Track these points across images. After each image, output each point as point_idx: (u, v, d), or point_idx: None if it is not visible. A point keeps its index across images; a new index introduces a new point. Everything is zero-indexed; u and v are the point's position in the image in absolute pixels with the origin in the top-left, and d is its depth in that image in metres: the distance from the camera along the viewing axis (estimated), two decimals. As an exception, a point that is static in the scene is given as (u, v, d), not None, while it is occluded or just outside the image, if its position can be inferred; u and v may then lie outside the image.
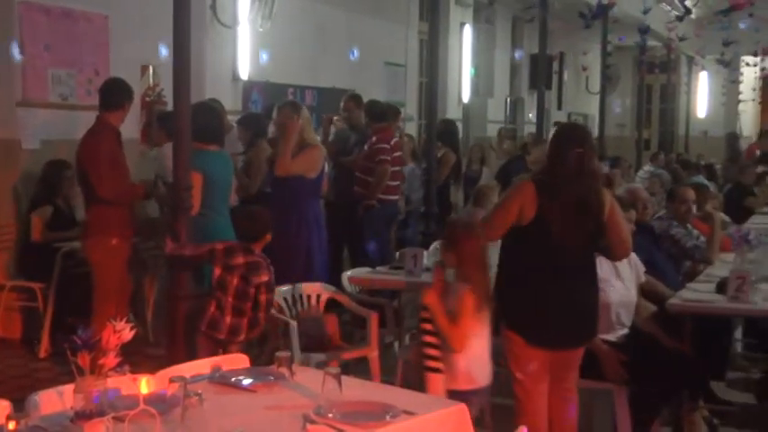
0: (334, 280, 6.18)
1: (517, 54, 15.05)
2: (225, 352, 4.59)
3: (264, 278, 4.84)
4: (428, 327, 4.07)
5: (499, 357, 4.35)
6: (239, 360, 3.59)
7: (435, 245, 6.75)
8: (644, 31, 15.24)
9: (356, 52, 11.37)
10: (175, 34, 5.04)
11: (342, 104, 8.72)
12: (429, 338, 4.08)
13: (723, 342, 5.82)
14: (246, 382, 3.22)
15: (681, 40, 16.78)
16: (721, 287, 5.15)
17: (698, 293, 5.27)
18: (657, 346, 4.89)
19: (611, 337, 4.89)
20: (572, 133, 4.40)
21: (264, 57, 9.55)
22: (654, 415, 4.99)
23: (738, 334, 7.14)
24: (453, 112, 13.83)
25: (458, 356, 3.98)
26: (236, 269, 4.78)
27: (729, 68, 21.77)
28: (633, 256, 5.07)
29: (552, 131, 4.62)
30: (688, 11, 14.06)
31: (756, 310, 5.02)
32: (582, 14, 12.98)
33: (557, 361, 4.33)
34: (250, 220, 5.02)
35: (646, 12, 13.44)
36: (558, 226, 4.12)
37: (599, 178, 4.49)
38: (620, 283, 5.02)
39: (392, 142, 8.31)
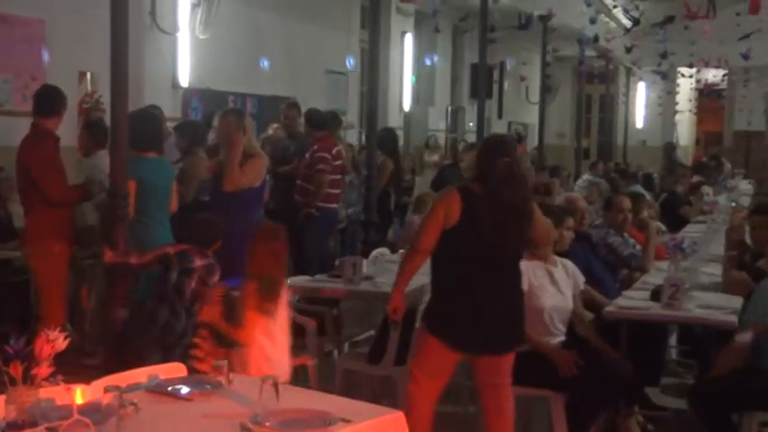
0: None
1: (428, 59, 15.08)
2: (174, 357, 4.59)
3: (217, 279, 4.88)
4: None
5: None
6: (176, 369, 3.57)
7: (375, 253, 6.77)
8: (585, 42, 15.46)
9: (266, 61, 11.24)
10: (113, 40, 4.99)
11: (284, 112, 8.70)
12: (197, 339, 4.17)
13: (658, 348, 5.91)
14: (183, 390, 3.19)
15: (628, 51, 17.05)
16: (656, 294, 5.25)
17: (633, 301, 5.37)
18: (593, 353, 4.95)
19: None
20: (500, 144, 4.55)
21: (205, 64, 9.49)
22: (590, 422, 5.05)
23: (673, 341, 7.27)
24: (394, 121, 13.88)
25: (248, 351, 4.01)
26: (194, 272, 4.78)
27: (666, 80, 22.18)
28: (571, 265, 5.15)
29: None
30: (636, 21, 14.28)
31: (689, 316, 5.13)
32: (521, 25, 13.16)
33: (487, 368, 4.44)
34: (207, 225, 5.08)
35: (593, 22, 13.63)
36: (491, 232, 4.26)
37: (527, 185, 4.66)
38: (554, 288, 5.08)
39: (333, 151, 8.31)
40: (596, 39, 14.56)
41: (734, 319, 4.98)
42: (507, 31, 14.47)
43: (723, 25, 16.48)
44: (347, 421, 2.86)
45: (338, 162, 8.35)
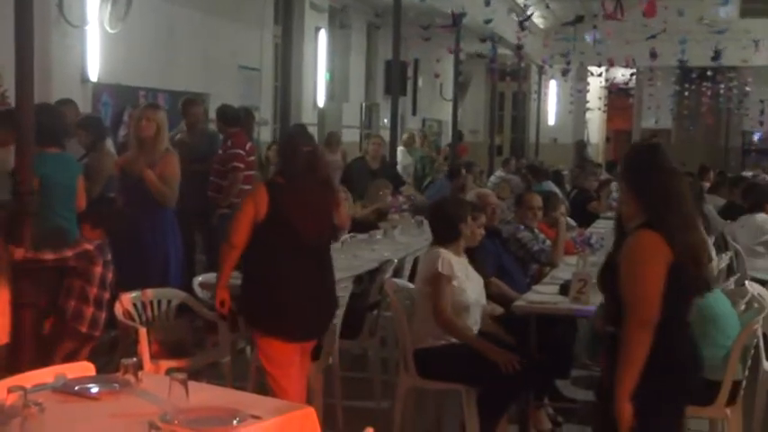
0: (189, 286, 6.10)
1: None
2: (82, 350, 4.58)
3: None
4: None
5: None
6: (84, 368, 3.51)
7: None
8: (493, 39, 15.65)
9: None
10: (17, 33, 4.88)
11: (188, 111, 8.59)
12: None
13: (567, 342, 6.01)
14: (91, 390, 3.15)
15: (519, 48, 17.25)
16: (564, 289, 5.35)
17: (542, 295, 5.46)
18: (505, 347, 5.03)
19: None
20: (300, 134, 4.95)
21: (115, 58, 9.33)
22: (500, 414, 5.13)
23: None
24: (309, 117, 13.84)
25: None
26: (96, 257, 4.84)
27: (577, 78, 22.59)
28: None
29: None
30: (523, 23, 14.50)
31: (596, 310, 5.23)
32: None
33: (304, 352, 4.78)
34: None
35: (487, 4, 13.77)
36: (298, 222, 4.52)
37: (328, 173, 5.02)
38: (473, 282, 5.17)
39: (247, 147, 8.27)
40: (488, 21, 14.65)
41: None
42: (420, 28, 14.57)
43: (630, 25, 16.86)
44: (257, 418, 2.86)
45: (252, 158, 8.31)
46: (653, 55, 17.84)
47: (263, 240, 4.58)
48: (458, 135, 21.23)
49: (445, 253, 5.05)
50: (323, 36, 14.45)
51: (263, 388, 4.81)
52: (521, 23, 14.33)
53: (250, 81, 12.47)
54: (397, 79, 11.76)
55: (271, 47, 13.05)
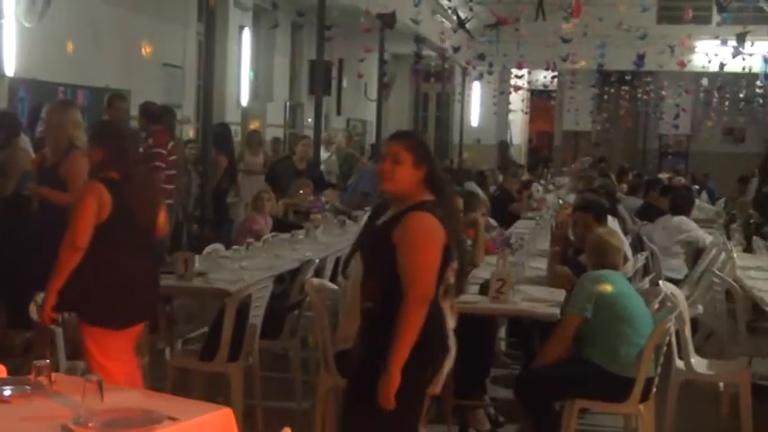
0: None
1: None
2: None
3: None
4: None
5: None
6: (-5, 370, 3.43)
7: (209, 249, 6.71)
8: (417, 40, 15.73)
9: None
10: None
11: (113, 105, 8.47)
12: None
13: (487, 341, 6.08)
14: (3, 392, 3.08)
15: (455, 50, 17.42)
16: (484, 288, 5.41)
17: (462, 295, 5.50)
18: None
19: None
20: (122, 130, 5.02)
21: (33, 53, 9.13)
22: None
23: (503, 333, 7.52)
24: (232, 116, 13.75)
25: None
26: None
27: (499, 80, 22.82)
28: None
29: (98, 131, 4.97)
30: (462, 23, 14.60)
31: (515, 309, 5.31)
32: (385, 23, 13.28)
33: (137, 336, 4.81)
34: None
35: (416, 4, 13.87)
36: (140, 214, 4.57)
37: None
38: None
39: (169, 146, 8.18)
40: (416, 21, 14.75)
41: (556, 311, 5.19)
42: (345, 27, 14.56)
43: (552, 29, 17.13)
44: (174, 419, 2.83)
45: (173, 157, 8.23)
46: (565, 59, 18.12)
47: (105, 236, 4.50)
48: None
49: None
50: (247, 35, 14.37)
51: (183, 389, 4.77)
52: (460, 24, 14.39)
53: (173, 79, 12.33)
54: (321, 79, 11.73)
55: (194, 44, 12.93)
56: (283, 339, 6.05)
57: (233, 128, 13.09)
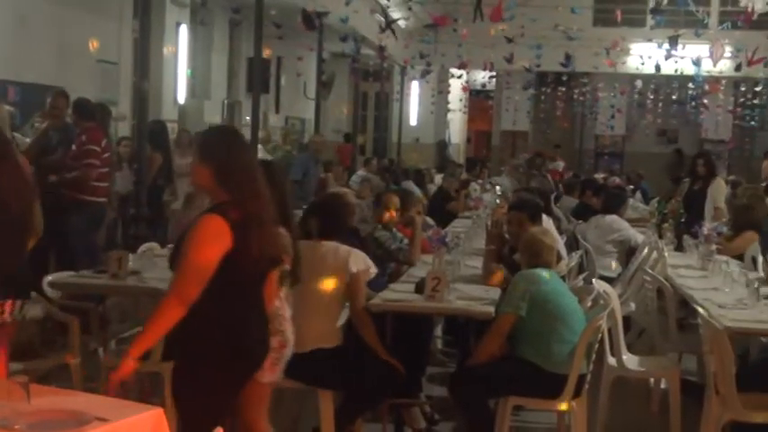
0: (39, 284, 5.91)
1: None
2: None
3: None
4: None
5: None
6: None
7: (144, 247, 6.64)
8: (355, 39, 15.74)
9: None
10: None
11: (52, 102, 8.33)
12: None
13: (423, 339, 6.11)
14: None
15: (382, 49, 17.37)
16: (419, 287, 5.44)
17: (398, 293, 5.54)
18: (360, 345, 5.07)
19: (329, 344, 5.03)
20: None
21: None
22: (357, 414, 5.16)
23: (439, 331, 7.56)
24: (169, 113, 13.62)
25: None
26: None
27: (438, 80, 22.92)
28: None
29: None
30: (388, 24, 14.64)
31: (449, 308, 5.34)
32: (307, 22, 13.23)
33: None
34: None
35: (344, 20, 13.89)
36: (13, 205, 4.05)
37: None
38: None
39: (103, 143, 8.08)
40: (345, 20, 14.75)
41: (491, 309, 5.24)
42: (285, 25, 14.51)
43: (489, 29, 17.26)
44: (103, 420, 2.80)
45: (106, 155, 8.12)
46: (509, 60, 18.28)
47: None
48: (346, 137, 21.41)
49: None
50: (184, 32, 14.24)
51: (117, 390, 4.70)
52: (388, 25, 14.43)
53: (108, 75, 12.17)
54: (259, 77, 11.67)
55: (130, 41, 12.77)
56: (219, 339, 5.99)
57: (170, 125, 12.96)
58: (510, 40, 16.76)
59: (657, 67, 20.01)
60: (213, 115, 16.17)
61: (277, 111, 19.64)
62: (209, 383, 3.57)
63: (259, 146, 14.32)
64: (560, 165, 17.69)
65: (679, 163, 16.81)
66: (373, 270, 5.08)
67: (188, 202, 8.25)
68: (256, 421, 4.06)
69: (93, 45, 11.63)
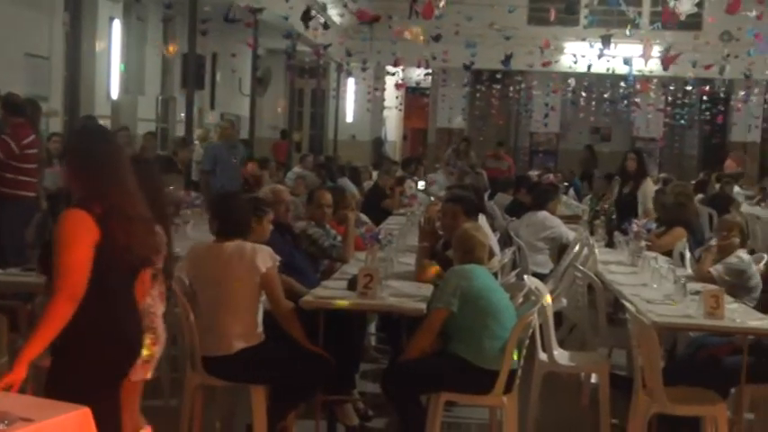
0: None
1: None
2: None
3: None
4: None
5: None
6: None
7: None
8: (291, 36, 15.68)
9: None
10: None
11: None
12: None
13: (356, 336, 6.13)
14: None
15: (325, 47, 17.34)
16: (352, 284, 5.45)
17: (330, 290, 5.54)
18: (291, 342, 5.07)
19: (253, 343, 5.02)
20: None
21: None
22: (289, 411, 5.16)
23: (373, 328, 7.59)
24: (102, 109, 13.43)
25: None
26: None
27: (374, 77, 22.94)
28: None
29: None
30: (308, 20, 14.62)
31: (382, 304, 5.36)
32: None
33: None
34: None
35: (285, 18, 13.87)
36: None
37: None
38: None
39: (29, 139, 7.96)
40: (286, 18, 14.72)
41: (423, 306, 5.27)
42: (219, 21, 14.41)
43: (426, 27, 17.34)
44: (28, 420, 2.77)
45: (33, 150, 7.99)
46: (435, 58, 18.36)
47: None
48: (282, 133, 21.32)
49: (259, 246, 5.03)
50: (117, 26, 14.05)
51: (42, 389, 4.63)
52: (307, 19, 14.38)
53: (38, 70, 11.96)
54: (193, 73, 11.58)
55: (61, 35, 12.55)
56: (150, 337, 5.94)
57: (103, 121, 12.79)
58: (437, 39, 16.86)
59: (589, 66, 20.32)
60: (147, 111, 16.00)
61: (212, 107, 19.50)
62: (87, 379, 3.50)
63: (196, 142, 14.24)
64: (506, 164, 17.78)
65: (591, 159, 17.14)
66: (278, 259, 5.05)
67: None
68: (128, 420, 3.99)
69: (23, 39, 11.41)
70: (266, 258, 4.97)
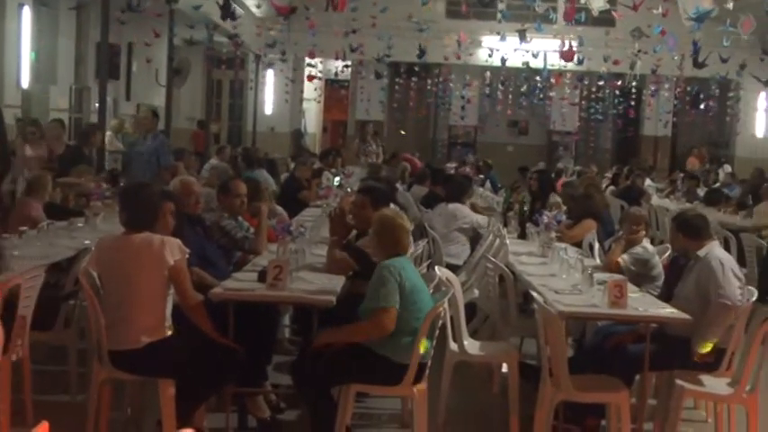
0: None
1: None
2: None
3: None
4: None
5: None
6: None
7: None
8: (208, 26, 15.53)
9: None
10: None
11: None
12: None
13: (269, 328, 6.10)
14: None
15: (231, 37, 17.11)
16: (262, 275, 5.43)
17: (240, 282, 5.51)
18: (201, 335, 5.03)
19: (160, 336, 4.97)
20: None
21: None
22: (198, 404, 5.13)
23: (287, 320, 7.57)
24: (11, 98, 13.14)
25: None
26: None
27: (293, 68, 22.80)
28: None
29: None
30: (232, 16, 14.53)
31: (291, 296, 5.36)
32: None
33: None
34: None
35: (197, 8, 13.72)
36: None
37: None
38: None
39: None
40: (198, 7, 14.55)
41: (332, 298, 5.28)
42: (135, 10, 14.17)
43: (343, 20, 17.36)
44: None
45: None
46: (354, 49, 18.36)
47: None
48: (199, 124, 21.08)
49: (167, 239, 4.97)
50: (27, 13, 13.72)
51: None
52: (225, 10, 14.25)
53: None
54: (106, 62, 11.38)
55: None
56: (57, 330, 5.86)
57: (12, 111, 12.52)
58: (353, 32, 16.91)
59: (503, 60, 20.59)
60: (60, 101, 15.67)
61: (128, 98, 19.19)
62: None
63: (109, 133, 14.02)
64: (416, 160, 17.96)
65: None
66: (187, 251, 5.01)
67: (29, 188, 8.02)
68: None
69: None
70: (174, 250, 4.92)
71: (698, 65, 15.90)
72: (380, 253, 5.25)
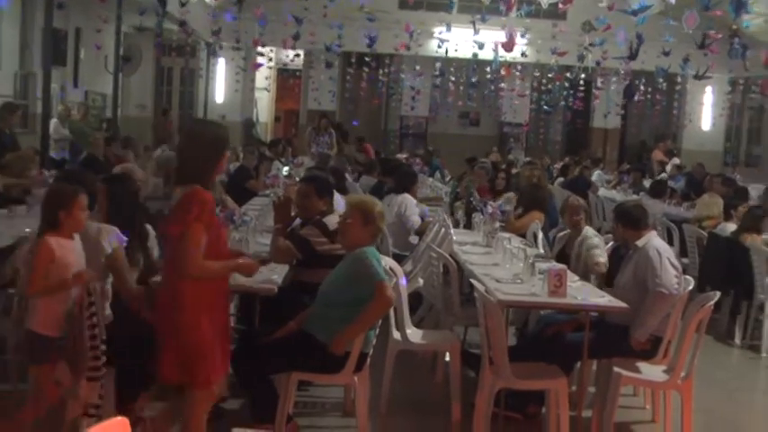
0: None
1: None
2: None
3: None
4: None
5: None
6: None
7: None
8: (157, 13, 15.37)
9: None
10: None
11: None
12: None
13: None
14: None
15: (182, 24, 16.99)
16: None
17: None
18: (141, 323, 5.01)
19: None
20: None
21: None
22: (139, 391, 5.10)
23: (233, 309, 7.53)
24: (-48, 85, 12.90)
25: None
26: None
27: (243, 57, 22.66)
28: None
29: None
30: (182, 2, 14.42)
31: (233, 284, 5.30)
32: None
33: None
34: None
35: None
36: None
37: None
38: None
39: None
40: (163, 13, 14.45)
41: (273, 286, 5.29)
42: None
43: (295, 9, 17.29)
44: None
45: None
46: (295, 37, 18.29)
47: None
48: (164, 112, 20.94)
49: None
50: (-31, -1, 13.47)
51: None
52: (180, 2, 14.15)
53: None
54: (50, 48, 11.22)
55: None
56: (-4, 319, 5.80)
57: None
58: (299, 20, 16.85)
59: (446, 50, 20.65)
60: (4, 87, 15.42)
61: (75, 85, 18.92)
62: None
63: (54, 120, 13.86)
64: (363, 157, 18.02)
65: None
66: (124, 239, 4.97)
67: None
68: None
69: None
70: (112, 238, 4.88)
71: (632, 56, 16.07)
72: (360, 239, 5.25)
